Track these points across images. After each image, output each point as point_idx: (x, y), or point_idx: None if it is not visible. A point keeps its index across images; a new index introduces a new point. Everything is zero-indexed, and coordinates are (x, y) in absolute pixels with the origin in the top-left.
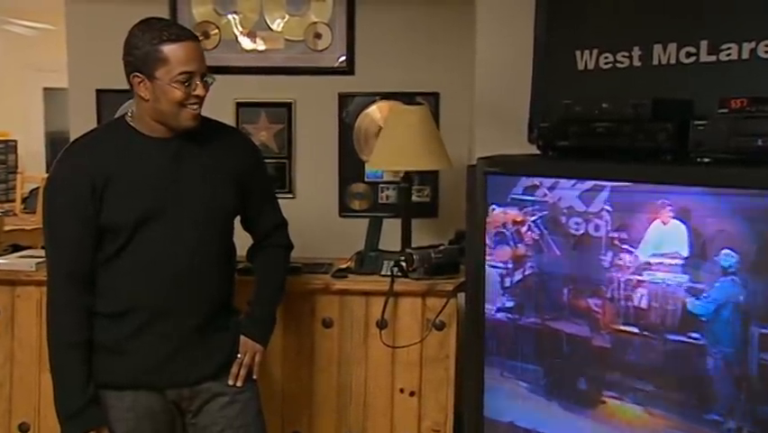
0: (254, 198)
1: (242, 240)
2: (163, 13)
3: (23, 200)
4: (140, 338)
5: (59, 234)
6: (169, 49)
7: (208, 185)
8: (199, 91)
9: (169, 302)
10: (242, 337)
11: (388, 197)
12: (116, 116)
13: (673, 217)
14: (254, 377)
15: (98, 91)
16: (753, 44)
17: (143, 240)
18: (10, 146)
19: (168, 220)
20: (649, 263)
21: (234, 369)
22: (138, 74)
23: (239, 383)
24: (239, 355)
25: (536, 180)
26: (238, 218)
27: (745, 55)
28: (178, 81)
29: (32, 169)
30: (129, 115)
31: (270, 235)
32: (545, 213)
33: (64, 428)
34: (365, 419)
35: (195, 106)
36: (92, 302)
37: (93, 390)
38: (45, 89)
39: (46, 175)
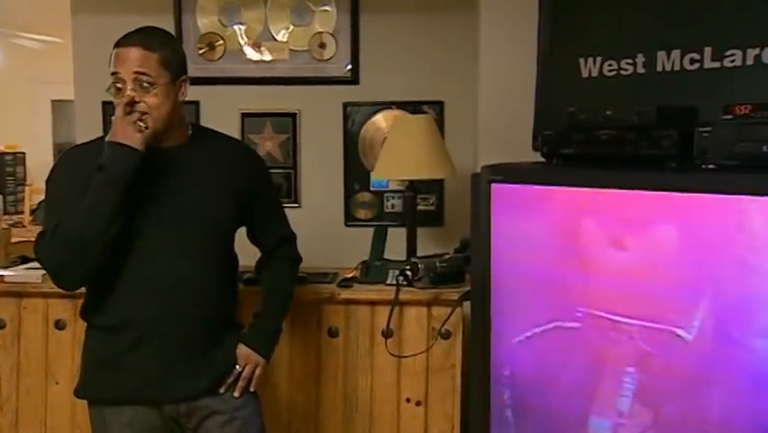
0: (258, 212)
1: (253, 251)
2: (168, 24)
3: (32, 212)
4: (137, 352)
5: (56, 199)
6: (113, 53)
7: (206, 197)
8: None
9: (167, 316)
10: (243, 348)
11: (393, 206)
12: None
13: None
14: (252, 389)
15: (104, 103)
16: (757, 50)
17: (139, 252)
18: (18, 158)
19: (164, 232)
20: None
21: (230, 379)
22: None
23: (236, 394)
24: (237, 367)
25: None
26: (242, 230)
27: (750, 61)
28: (111, 87)
29: (41, 180)
30: None
31: (277, 249)
32: None
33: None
34: (371, 428)
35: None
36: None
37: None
38: (53, 101)
39: None
